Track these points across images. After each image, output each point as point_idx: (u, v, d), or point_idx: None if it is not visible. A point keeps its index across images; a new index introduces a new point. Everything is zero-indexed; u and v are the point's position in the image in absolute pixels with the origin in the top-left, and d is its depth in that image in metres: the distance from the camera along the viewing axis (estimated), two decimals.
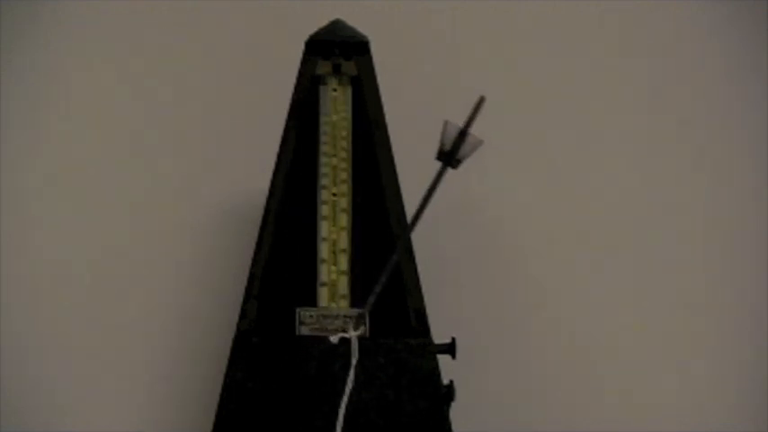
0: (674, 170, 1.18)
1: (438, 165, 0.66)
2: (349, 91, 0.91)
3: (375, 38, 0.93)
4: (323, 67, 0.92)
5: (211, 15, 1.22)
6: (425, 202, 0.67)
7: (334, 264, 0.83)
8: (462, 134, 0.64)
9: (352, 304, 0.81)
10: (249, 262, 0.83)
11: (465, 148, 0.65)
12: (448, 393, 0.78)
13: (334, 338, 0.77)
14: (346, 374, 0.76)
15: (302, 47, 0.92)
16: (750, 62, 1.21)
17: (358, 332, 0.78)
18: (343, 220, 0.85)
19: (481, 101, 0.62)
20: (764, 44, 1.20)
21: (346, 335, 0.78)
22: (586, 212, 1.15)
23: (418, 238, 0.84)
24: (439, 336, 0.81)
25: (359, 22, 0.94)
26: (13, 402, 1.02)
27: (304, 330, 0.79)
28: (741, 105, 1.20)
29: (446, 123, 0.65)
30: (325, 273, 0.83)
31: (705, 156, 1.19)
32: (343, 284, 0.82)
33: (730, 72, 1.21)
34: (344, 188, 0.86)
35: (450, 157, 0.65)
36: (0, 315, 1.07)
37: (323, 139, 0.88)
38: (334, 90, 0.91)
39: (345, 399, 0.74)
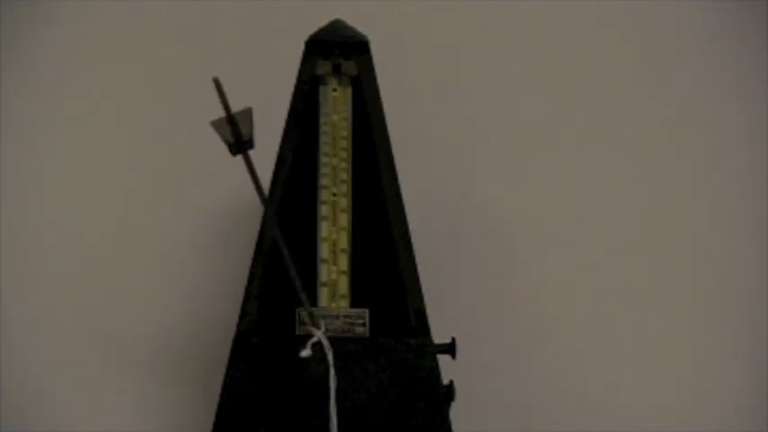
0: (674, 170, 1.18)
1: None
2: (349, 91, 0.91)
3: (375, 38, 0.93)
4: (323, 67, 0.92)
5: (211, 15, 1.22)
6: (261, 195, 0.67)
7: (334, 264, 0.83)
8: (230, 119, 0.63)
9: (352, 304, 0.81)
10: (249, 262, 0.83)
11: (242, 125, 0.63)
12: (448, 393, 0.78)
13: (305, 352, 0.75)
14: (346, 374, 0.76)
15: (302, 47, 0.92)
16: (750, 62, 1.21)
17: (322, 329, 0.77)
18: (343, 220, 0.85)
19: (216, 81, 0.61)
20: (764, 44, 1.20)
21: (315, 339, 0.77)
22: (586, 213, 1.15)
23: (418, 238, 0.84)
24: (439, 336, 0.81)
25: (359, 22, 0.94)
26: (13, 402, 1.02)
27: (304, 330, 0.79)
28: (741, 105, 1.20)
29: (212, 124, 0.64)
30: (325, 273, 0.83)
31: (705, 156, 1.19)
32: (344, 284, 0.82)
33: (730, 72, 1.21)
34: (344, 188, 0.86)
35: (240, 144, 0.64)
36: (0, 315, 1.07)
37: (323, 139, 0.88)
38: (335, 90, 0.91)
39: (332, 398, 0.74)
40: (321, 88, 0.92)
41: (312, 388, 0.76)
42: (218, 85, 0.59)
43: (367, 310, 0.81)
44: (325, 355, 0.77)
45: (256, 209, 0.87)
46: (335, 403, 0.74)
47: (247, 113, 0.63)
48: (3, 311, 1.07)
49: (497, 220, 1.15)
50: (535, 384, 1.06)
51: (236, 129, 0.62)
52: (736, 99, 1.20)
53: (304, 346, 0.75)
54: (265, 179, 0.87)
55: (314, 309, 0.80)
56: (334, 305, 0.81)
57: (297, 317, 0.80)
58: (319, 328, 0.77)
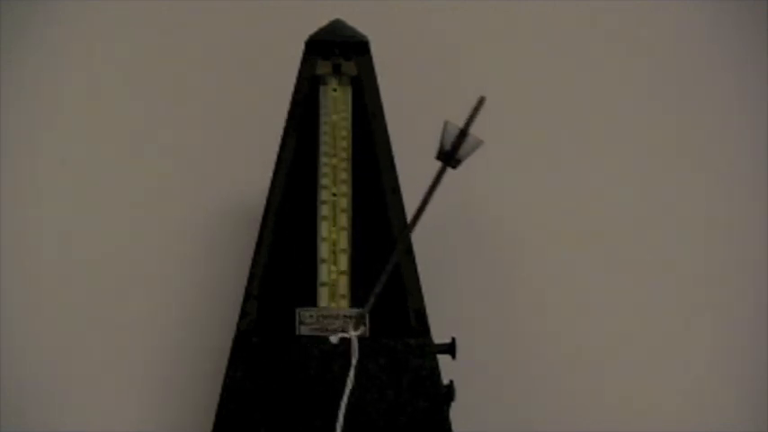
0: (674, 170, 1.18)
1: (438, 164, 0.66)
2: (349, 91, 0.91)
3: (375, 38, 0.93)
4: (323, 67, 0.92)
5: (211, 15, 1.22)
6: (425, 202, 0.68)
7: (335, 264, 0.83)
8: (462, 134, 0.64)
9: (352, 304, 0.81)
10: (249, 262, 0.83)
11: (465, 148, 0.65)
12: (448, 393, 0.78)
13: (334, 338, 0.78)
14: (346, 374, 0.76)
15: (302, 47, 0.92)
16: (750, 62, 1.21)
17: (358, 332, 0.78)
18: (343, 220, 0.85)
19: (481, 101, 0.63)
20: (764, 44, 1.20)
21: (346, 335, 0.78)
22: (586, 212, 1.15)
23: (418, 238, 0.84)
24: (439, 336, 0.81)
25: (359, 22, 0.94)
26: (13, 402, 1.02)
27: (304, 330, 0.79)
28: (741, 105, 1.20)
29: (446, 123, 0.65)
30: (325, 273, 0.83)
31: (705, 156, 1.19)
32: (344, 284, 0.82)
33: (730, 72, 1.21)
34: (344, 188, 0.86)
35: (450, 156, 0.65)
36: (0, 315, 1.07)
37: (323, 139, 0.88)
38: (335, 90, 0.91)
39: (345, 399, 0.74)
40: (321, 88, 0.92)
41: (312, 388, 0.76)
42: (479, 105, 0.62)
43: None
44: (326, 356, 0.77)
45: (256, 209, 0.87)
46: (345, 404, 0.75)
47: (477, 143, 0.66)
48: (3, 311, 1.07)
49: (497, 220, 1.15)
50: (535, 384, 1.06)
51: (459, 144, 0.64)
52: (736, 99, 1.20)
53: (334, 334, 0.77)
54: (265, 179, 0.87)
55: (314, 309, 0.80)
56: (334, 305, 0.81)
57: (297, 317, 0.80)
58: (356, 330, 0.78)
